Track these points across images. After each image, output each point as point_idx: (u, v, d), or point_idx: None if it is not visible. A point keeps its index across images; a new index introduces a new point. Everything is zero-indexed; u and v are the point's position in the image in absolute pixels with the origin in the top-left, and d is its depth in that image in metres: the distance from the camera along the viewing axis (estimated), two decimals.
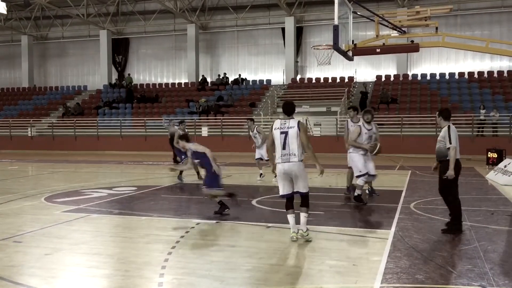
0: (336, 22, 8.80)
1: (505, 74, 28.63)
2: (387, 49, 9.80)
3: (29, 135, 30.02)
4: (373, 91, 29.35)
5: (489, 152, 17.53)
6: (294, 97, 29.83)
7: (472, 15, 30.62)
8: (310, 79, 32.40)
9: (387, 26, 9.82)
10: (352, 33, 9.99)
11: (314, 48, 12.10)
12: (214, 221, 7.85)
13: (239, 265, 5.46)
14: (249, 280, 4.96)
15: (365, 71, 32.53)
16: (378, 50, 9.72)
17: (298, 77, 33.08)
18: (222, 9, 34.35)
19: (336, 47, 9.11)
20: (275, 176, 7.21)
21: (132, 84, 34.29)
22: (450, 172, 6.84)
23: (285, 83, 32.70)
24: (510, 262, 5.59)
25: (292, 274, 5.14)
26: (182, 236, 6.83)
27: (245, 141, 26.51)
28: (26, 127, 30.78)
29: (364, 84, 29.49)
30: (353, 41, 10.05)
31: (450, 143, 6.87)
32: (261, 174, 13.52)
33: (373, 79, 31.40)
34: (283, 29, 33.02)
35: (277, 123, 6.53)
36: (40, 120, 32.00)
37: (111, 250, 6.23)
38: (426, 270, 5.17)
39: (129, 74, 35.62)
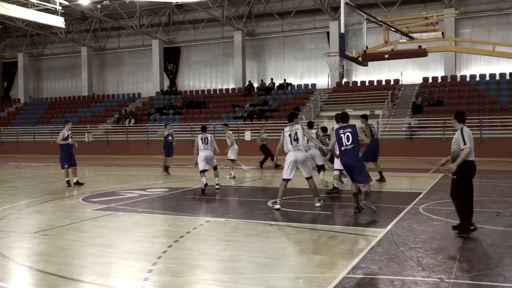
0: (342, 30, 9.17)
1: None
2: (395, 55, 10.01)
3: (86, 140, 31.97)
4: (419, 93, 28.94)
5: None
6: (338, 100, 30.03)
7: (479, 18, 30.17)
8: (355, 83, 32.39)
9: (396, 32, 10.05)
10: (366, 39, 10.30)
11: (325, 55, 12.38)
12: (223, 219, 8.44)
13: (226, 256, 6.02)
14: (225, 269, 5.51)
15: (411, 73, 32.08)
16: (386, 56, 9.96)
17: (344, 80, 33.14)
18: (268, 16, 35.05)
19: (342, 54, 9.47)
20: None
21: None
22: (452, 166, 7.00)
23: (330, 87, 32.88)
24: (481, 259, 5.79)
25: (269, 265, 5.63)
26: (188, 232, 7.47)
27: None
28: (84, 133, 32.82)
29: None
30: (367, 46, 10.35)
31: (465, 144, 7.04)
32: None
33: (420, 81, 30.94)
34: (327, 33, 33.23)
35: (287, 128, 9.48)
36: (97, 126, 34.00)
37: (120, 243, 6.96)
38: (395, 264, 5.50)
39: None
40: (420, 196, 10.79)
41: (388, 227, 7.44)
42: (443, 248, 6.23)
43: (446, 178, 14.48)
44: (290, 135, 9.33)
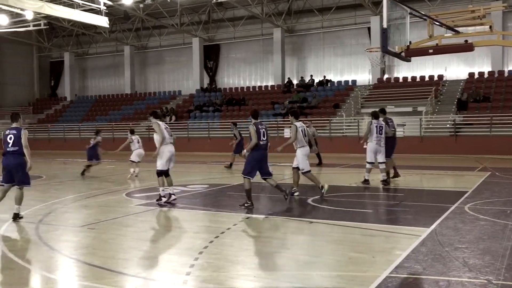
0: (384, 25, 8.99)
1: None
2: (440, 50, 9.71)
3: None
4: (464, 89, 28.08)
5: None
6: (379, 97, 29.53)
7: None
8: (397, 79, 31.77)
9: (441, 26, 9.76)
10: (409, 33, 10.06)
11: (367, 51, 12.18)
12: (263, 216, 8.46)
13: (267, 253, 6.04)
14: (266, 265, 5.52)
15: (456, 68, 31.19)
16: (430, 51, 9.69)
17: (385, 76, 32.56)
18: (308, 12, 34.83)
19: (384, 49, 9.27)
20: None
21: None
22: None
23: (371, 83, 32.37)
24: None
25: (310, 263, 5.60)
26: (228, 228, 7.53)
27: (326, 142, 26.80)
28: (127, 130, 33.57)
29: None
30: (410, 41, 10.11)
31: None
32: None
33: (465, 76, 30.02)
34: (369, 29, 32.70)
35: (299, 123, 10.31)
36: (139, 124, 34.73)
37: (163, 238, 7.10)
38: (440, 264, 5.36)
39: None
40: (466, 195, 10.47)
41: (432, 227, 7.26)
42: (491, 248, 6.03)
43: (493, 177, 14.03)
44: (302, 131, 10.36)
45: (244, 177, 9.08)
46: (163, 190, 9.77)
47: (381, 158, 12.12)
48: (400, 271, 5.17)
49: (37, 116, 42.36)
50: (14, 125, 8.44)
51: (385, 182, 12.03)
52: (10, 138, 8.26)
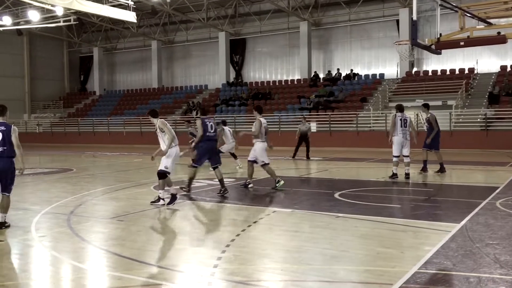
0: (414, 17, 8.82)
1: None
2: (471, 42, 9.46)
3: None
4: (496, 83, 27.38)
5: None
6: (407, 91, 29.07)
7: None
8: (426, 72, 31.19)
9: (473, 18, 9.51)
10: (439, 25, 9.85)
11: (396, 44, 12.00)
12: (289, 210, 8.45)
13: (293, 247, 6.03)
14: (293, 259, 5.51)
15: (488, 61, 30.42)
16: (462, 43, 9.46)
17: (414, 70, 32.00)
18: (335, 5, 34.45)
19: (414, 42, 9.11)
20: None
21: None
22: None
23: (399, 76, 31.87)
24: None
25: (337, 257, 5.57)
26: (255, 222, 7.56)
27: (353, 136, 26.58)
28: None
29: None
30: (440, 34, 9.91)
31: None
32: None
33: (497, 69, 29.26)
34: (397, 21, 32.16)
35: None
36: (166, 118, 35.04)
37: (190, 230, 7.17)
38: (470, 260, 5.26)
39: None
40: (497, 190, 10.23)
41: (463, 222, 7.13)
42: None
43: None
44: (265, 127, 11.03)
45: (192, 166, 10.29)
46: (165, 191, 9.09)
47: (406, 151, 12.07)
48: (429, 266, 5.10)
49: (67, 110, 43.24)
50: None
51: (408, 176, 12.06)
52: None
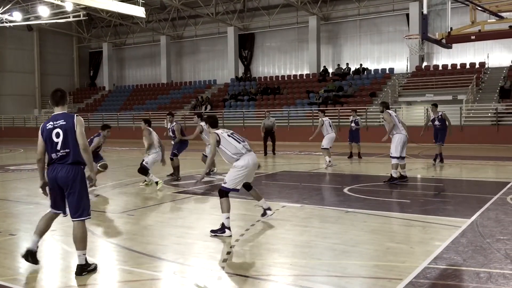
0: (425, 11, 8.74)
1: None
2: (483, 36, 9.35)
3: (165, 126, 33.18)
4: (507, 77, 27.10)
5: None
6: (417, 85, 28.88)
7: None
8: (436, 66, 30.94)
9: (484, 12, 9.42)
10: (450, 19, 9.76)
11: (406, 38, 11.89)
12: (299, 205, 8.46)
13: (303, 242, 6.04)
14: (302, 254, 5.52)
15: (499, 55, 30.09)
16: (473, 37, 9.35)
17: (424, 64, 31.77)
18: None
19: (425, 36, 9.02)
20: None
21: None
22: None
23: (409, 71, 31.66)
24: None
25: (347, 252, 5.57)
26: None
27: (362, 131, 26.38)
28: (163, 119, 34.09)
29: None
30: (451, 28, 9.81)
31: None
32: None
33: (508, 64, 28.95)
34: (407, 15, 31.91)
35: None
36: (175, 113, 35.14)
37: (199, 225, 7.20)
38: (481, 256, 5.24)
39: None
40: (508, 185, 10.15)
41: (473, 217, 7.09)
42: None
43: None
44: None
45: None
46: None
47: (404, 152, 10.74)
48: (439, 262, 5.08)
49: (77, 105, 43.49)
50: (59, 110, 4.94)
51: (404, 178, 10.76)
52: (58, 135, 4.83)
